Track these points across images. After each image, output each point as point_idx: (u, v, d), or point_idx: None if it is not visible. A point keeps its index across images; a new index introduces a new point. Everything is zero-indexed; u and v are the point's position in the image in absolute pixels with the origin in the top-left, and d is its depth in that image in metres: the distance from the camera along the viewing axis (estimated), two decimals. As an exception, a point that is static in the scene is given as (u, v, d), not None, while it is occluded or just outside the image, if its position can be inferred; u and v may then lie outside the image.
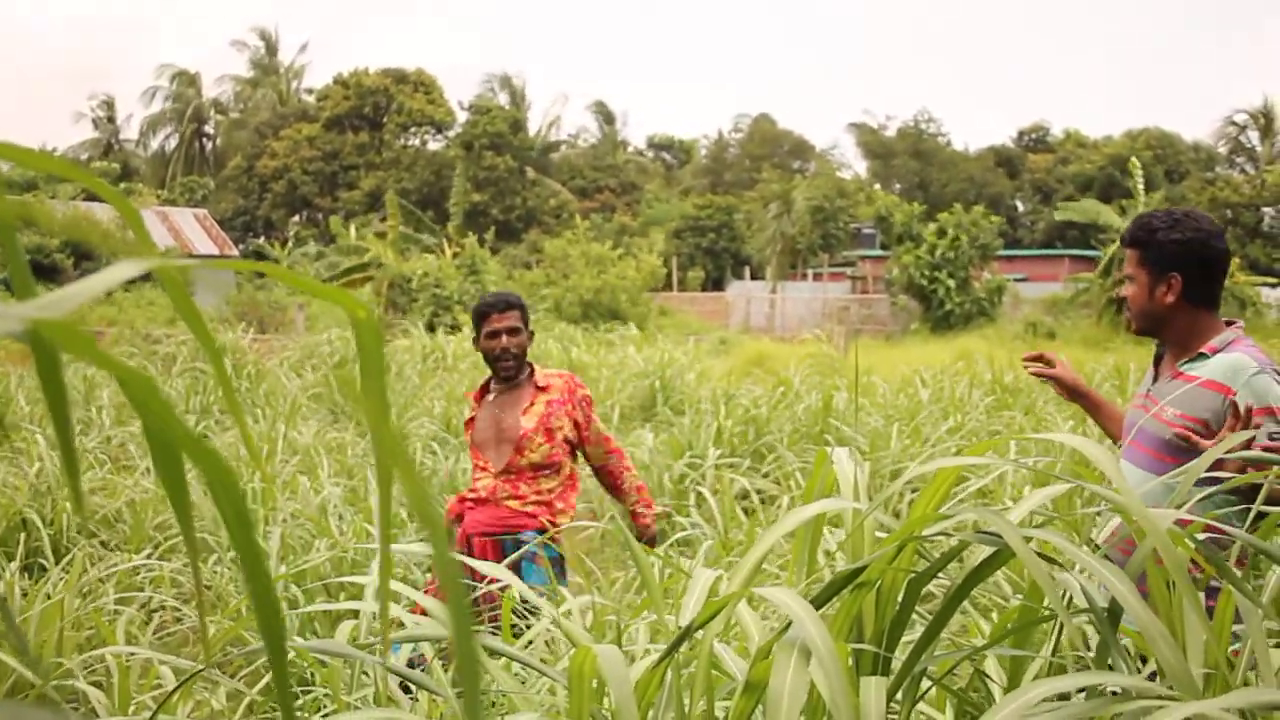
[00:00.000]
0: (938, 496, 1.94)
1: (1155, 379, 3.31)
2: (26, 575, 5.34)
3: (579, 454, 4.96)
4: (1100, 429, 3.72)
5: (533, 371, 4.90)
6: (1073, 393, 3.60)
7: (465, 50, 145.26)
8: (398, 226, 33.53)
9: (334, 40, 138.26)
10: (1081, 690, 1.70)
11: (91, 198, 41.90)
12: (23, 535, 6.14)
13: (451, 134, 61.52)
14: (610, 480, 5.01)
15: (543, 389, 4.83)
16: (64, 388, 0.79)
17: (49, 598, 4.47)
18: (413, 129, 62.22)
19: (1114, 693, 1.60)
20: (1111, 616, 1.65)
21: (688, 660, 1.88)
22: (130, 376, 0.69)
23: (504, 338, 4.76)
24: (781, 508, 6.66)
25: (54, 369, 0.79)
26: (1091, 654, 1.87)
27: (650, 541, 4.96)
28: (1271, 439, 2.89)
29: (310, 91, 67.93)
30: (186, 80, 66.84)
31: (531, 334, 4.96)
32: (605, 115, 68.24)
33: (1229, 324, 3.21)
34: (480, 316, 4.85)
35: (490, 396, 4.93)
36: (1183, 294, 3.15)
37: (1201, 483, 2.48)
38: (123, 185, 47.20)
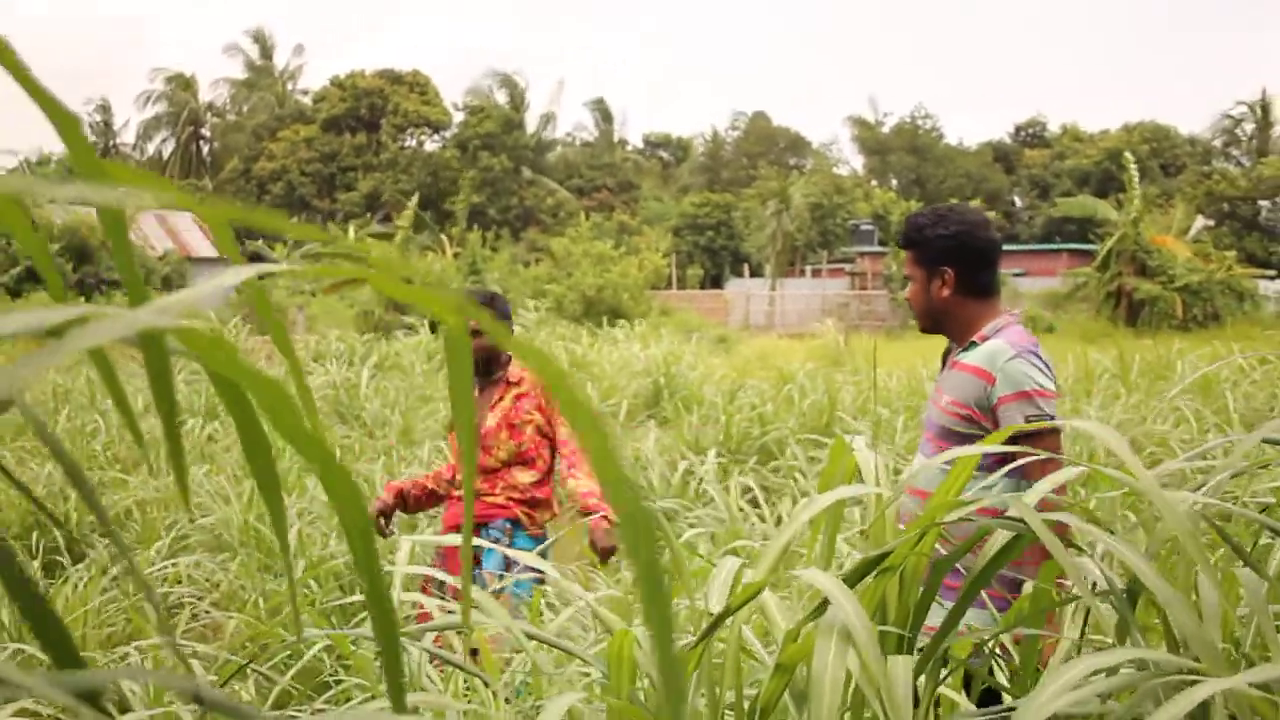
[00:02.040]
0: (959, 482, 1.99)
1: (942, 372, 3.38)
2: (46, 574, 5.39)
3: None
4: None
5: (508, 366, 4.77)
6: None
7: (462, 51, 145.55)
8: (407, 229, 33.54)
9: (329, 42, 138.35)
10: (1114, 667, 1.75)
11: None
12: (35, 534, 6.19)
13: (448, 134, 61.61)
14: (565, 478, 4.69)
15: (514, 384, 4.73)
16: (173, 389, 0.83)
17: (75, 593, 4.52)
18: (409, 130, 62.31)
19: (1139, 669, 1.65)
20: (1129, 597, 1.70)
21: (715, 644, 1.93)
22: (259, 382, 0.73)
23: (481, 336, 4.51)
24: (786, 503, 6.70)
25: (164, 371, 0.83)
26: (1096, 636, 1.92)
27: (605, 554, 4.50)
28: (1029, 421, 2.96)
29: (306, 93, 68.00)
30: (182, 83, 66.88)
31: (512, 328, 4.84)
32: (603, 113, 68.23)
33: (1009, 314, 3.30)
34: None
35: (476, 393, 4.75)
36: (956, 287, 3.24)
37: (981, 468, 2.64)
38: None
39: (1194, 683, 1.35)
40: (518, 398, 4.69)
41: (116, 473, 7.97)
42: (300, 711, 3.17)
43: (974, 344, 3.19)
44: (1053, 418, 3.00)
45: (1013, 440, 2.94)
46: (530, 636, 2.06)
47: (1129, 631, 1.70)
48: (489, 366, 4.73)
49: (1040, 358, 3.11)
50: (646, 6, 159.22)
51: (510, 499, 4.62)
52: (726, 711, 1.96)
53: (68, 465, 0.74)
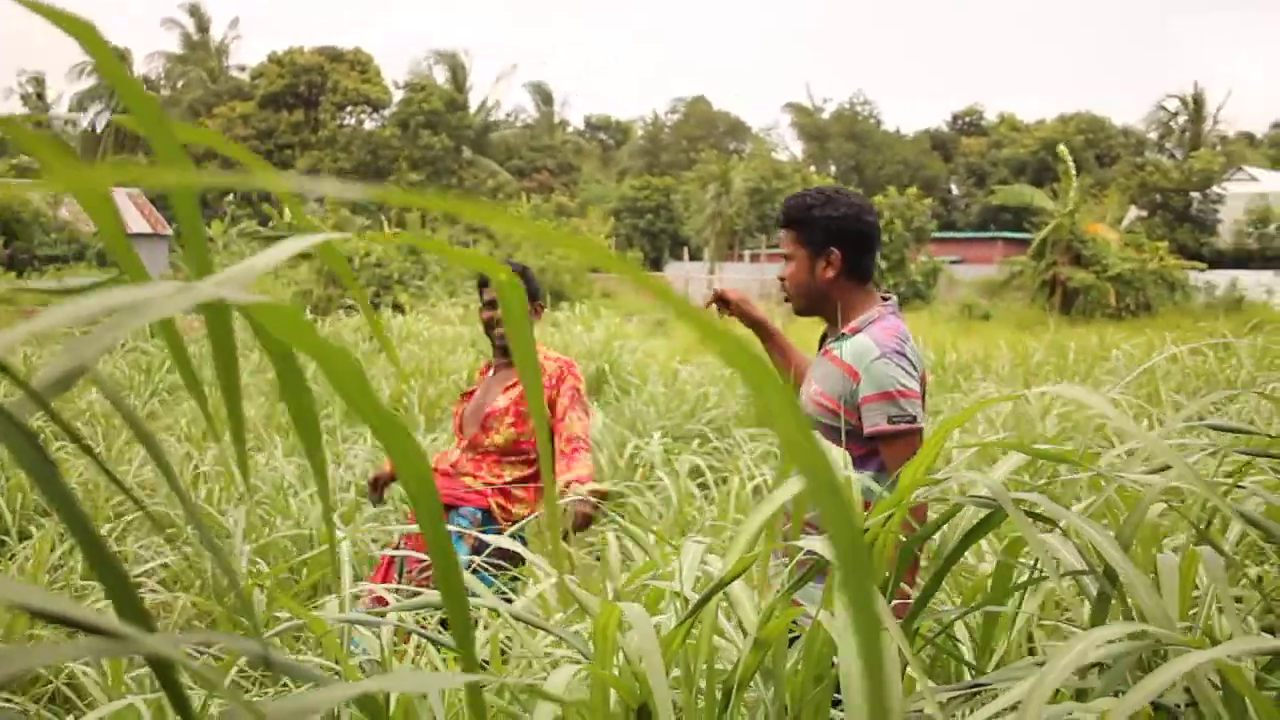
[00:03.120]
0: (926, 461, 2.04)
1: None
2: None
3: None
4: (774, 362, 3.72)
5: None
6: (750, 319, 3.64)
7: (403, 27, 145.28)
8: (338, 210, 33.35)
9: (267, 16, 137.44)
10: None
11: (22, 174, 41.23)
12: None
13: (388, 113, 61.21)
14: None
15: None
16: (236, 363, 0.85)
17: (22, 572, 4.49)
18: (349, 108, 61.82)
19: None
20: (1108, 576, 1.76)
21: (688, 625, 1.97)
22: (328, 353, 0.74)
23: (499, 308, 4.39)
24: (733, 486, 6.75)
25: (228, 344, 0.85)
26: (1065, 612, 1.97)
27: (583, 522, 4.21)
28: (891, 422, 2.99)
29: (243, 69, 67.29)
30: (116, 56, 65.82)
31: (540, 306, 4.72)
32: (543, 95, 68.10)
33: (885, 299, 3.29)
34: (479, 285, 4.71)
35: (490, 372, 4.76)
36: (841, 270, 3.23)
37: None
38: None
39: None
40: None
41: (57, 452, 7.88)
42: (266, 693, 3.18)
43: (844, 335, 3.17)
44: (914, 418, 3.02)
45: (874, 439, 3.02)
46: (512, 615, 2.10)
47: (1107, 610, 1.76)
48: (503, 344, 4.56)
49: (906, 356, 3.09)
50: (635, 3, 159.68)
51: (488, 485, 4.49)
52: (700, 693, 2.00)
53: (146, 439, 0.77)
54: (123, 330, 0.65)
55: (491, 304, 4.55)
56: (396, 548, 4.35)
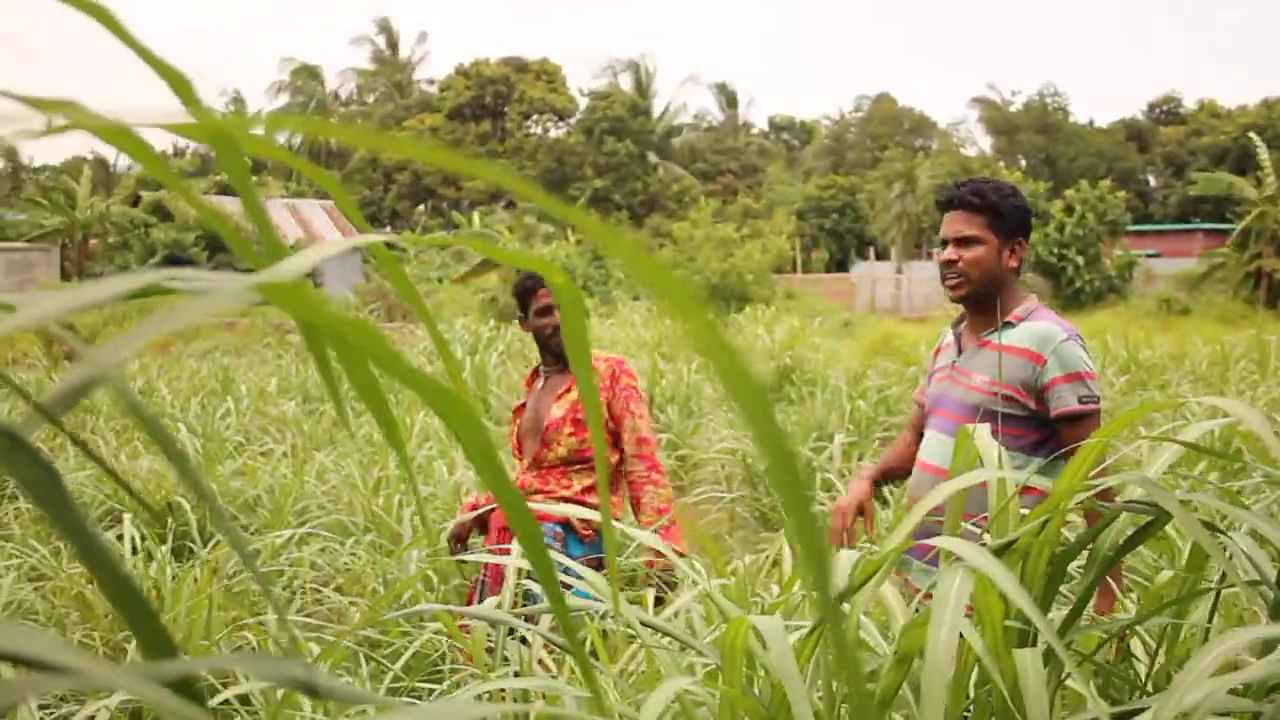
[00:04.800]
0: (1085, 466, 1.90)
1: (960, 352, 3.39)
2: (175, 558, 5.47)
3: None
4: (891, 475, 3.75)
5: None
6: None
7: (583, 36, 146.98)
8: (523, 218, 33.90)
9: (454, 29, 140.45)
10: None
11: (223, 192, 42.87)
12: (169, 520, 6.29)
13: (573, 121, 62.00)
14: (631, 491, 4.43)
15: None
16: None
17: (196, 580, 4.58)
18: (534, 117, 62.80)
19: None
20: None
21: (819, 634, 1.88)
22: (350, 326, 0.69)
23: (557, 313, 4.09)
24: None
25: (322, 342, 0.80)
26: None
27: (665, 580, 3.87)
28: (1082, 402, 3.06)
29: (431, 82, 68.87)
30: (309, 73, 68.13)
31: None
32: (727, 97, 68.11)
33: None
34: (527, 293, 4.45)
35: (539, 383, 4.59)
36: (1019, 261, 3.31)
37: (1019, 449, 3.03)
38: (254, 178, 48.15)
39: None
40: None
41: (246, 460, 8.11)
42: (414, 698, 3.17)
43: (1009, 324, 3.22)
44: (1098, 399, 3.10)
45: (1058, 421, 3.09)
46: (644, 624, 2.02)
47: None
48: (562, 352, 4.41)
49: (1084, 341, 3.18)
50: (638, 3, 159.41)
51: (561, 499, 4.30)
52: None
53: (167, 446, 0.71)
54: (160, 329, 0.60)
55: (545, 310, 4.43)
56: (484, 572, 4.24)
